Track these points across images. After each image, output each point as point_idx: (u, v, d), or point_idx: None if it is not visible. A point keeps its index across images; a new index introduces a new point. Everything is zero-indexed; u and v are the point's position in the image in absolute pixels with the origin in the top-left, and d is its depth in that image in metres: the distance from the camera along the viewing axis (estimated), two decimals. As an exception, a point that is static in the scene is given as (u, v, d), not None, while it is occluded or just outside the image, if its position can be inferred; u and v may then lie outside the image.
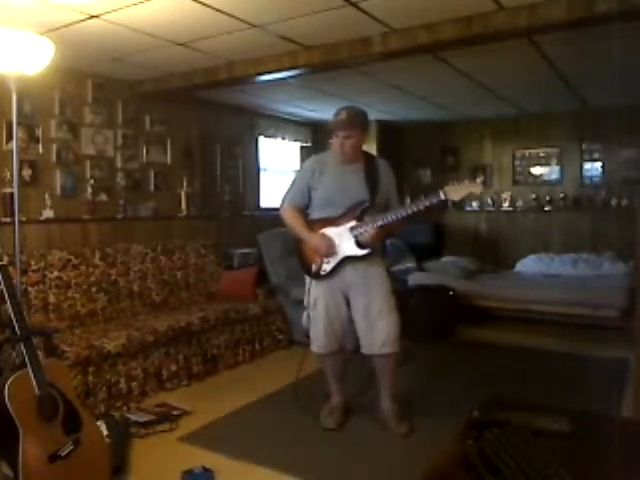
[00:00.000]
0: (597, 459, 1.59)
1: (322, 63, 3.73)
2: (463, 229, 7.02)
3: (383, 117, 6.47)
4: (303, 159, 6.62)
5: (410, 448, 2.75)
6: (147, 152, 4.84)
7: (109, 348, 3.31)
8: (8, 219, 3.64)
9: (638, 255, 3.26)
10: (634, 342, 3.20)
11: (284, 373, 3.67)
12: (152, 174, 4.90)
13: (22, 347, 2.12)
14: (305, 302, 3.04)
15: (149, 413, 3.14)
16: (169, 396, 3.52)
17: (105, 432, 2.48)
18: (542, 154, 6.54)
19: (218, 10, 2.99)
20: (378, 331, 2.88)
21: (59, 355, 3.02)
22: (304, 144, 6.88)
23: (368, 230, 2.80)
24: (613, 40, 3.22)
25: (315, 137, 6.95)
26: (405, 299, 4.58)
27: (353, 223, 2.85)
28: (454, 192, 2.71)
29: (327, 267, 2.91)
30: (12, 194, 3.26)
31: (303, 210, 3.01)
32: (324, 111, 5.99)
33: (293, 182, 3.10)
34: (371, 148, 6.03)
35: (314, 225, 2.95)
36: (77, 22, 3.10)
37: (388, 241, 3.23)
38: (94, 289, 3.95)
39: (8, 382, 2.03)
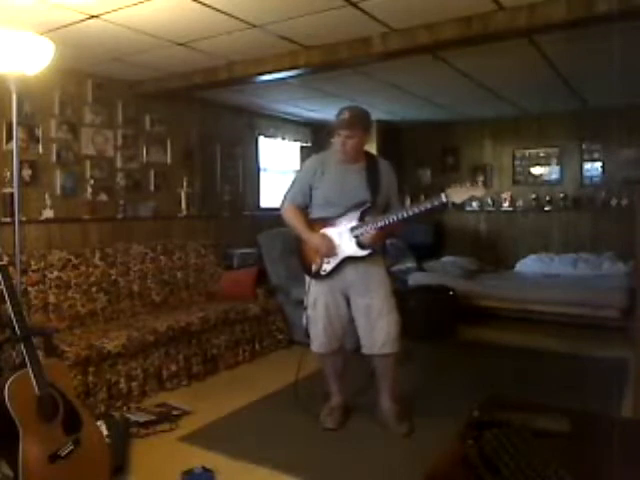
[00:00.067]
0: (597, 459, 1.59)
1: (322, 63, 3.73)
2: (463, 229, 7.02)
3: (383, 117, 6.47)
4: (303, 159, 6.61)
5: (410, 448, 2.75)
6: (147, 152, 4.84)
7: (109, 348, 3.31)
8: (8, 219, 3.64)
9: (638, 255, 3.26)
10: (634, 342, 3.20)
11: (284, 373, 3.67)
12: (152, 174, 4.90)
13: (22, 347, 2.12)
14: (305, 302, 3.04)
15: (149, 413, 3.14)
16: (169, 396, 3.52)
17: (105, 432, 2.48)
18: (542, 154, 6.54)
19: (218, 10, 2.99)
20: (378, 331, 2.88)
21: (59, 355, 3.02)
22: (304, 144, 6.87)
23: (369, 231, 2.79)
24: (613, 40, 3.22)
25: (315, 137, 6.94)
26: (405, 299, 4.58)
27: (354, 223, 2.84)
28: (456, 195, 2.70)
29: (327, 267, 2.91)
30: (12, 194, 3.25)
31: (304, 209, 3.01)
32: (324, 111, 6.00)
33: (294, 181, 3.10)
34: (371, 148, 6.03)
35: (315, 225, 2.94)
36: (77, 22, 3.10)
37: (388, 241, 3.22)
38: (94, 289, 3.95)
39: (8, 382, 2.03)
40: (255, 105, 5.77)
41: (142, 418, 3.03)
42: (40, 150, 4.02)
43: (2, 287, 2.19)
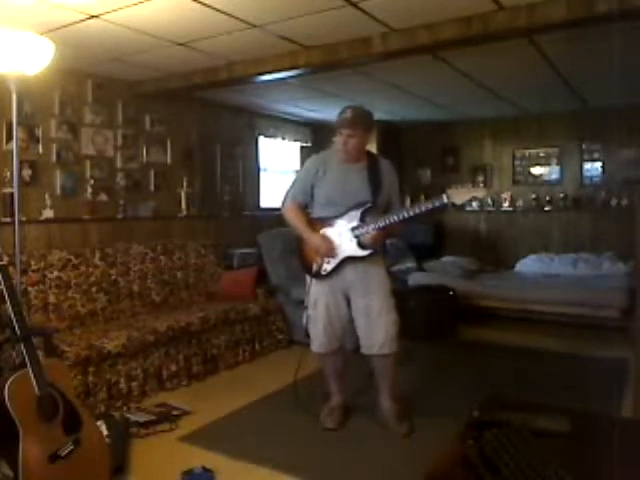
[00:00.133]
0: (597, 459, 1.59)
1: (322, 63, 3.73)
2: (463, 229, 7.02)
3: (383, 117, 6.46)
4: (303, 159, 6.61)
5: (410, 448, 2.75)
6: (147, 152, 4.84)
7: (109, 348, 3.31)
8: (8, 219, 3.64)
9: (638, 255, 3.26)
10: (634, 342, 3.20)
11: (284, 373, 3.67)
12: (152, 174, 4.90)
13: (22, 347, 2.12)
14: (305, 302, 3.04)
15: (149, 413, 3.14)
16: (169, 396, 3.52)
17: (105, 432, 2.48)
18: (542, 154, 6.54)
19: (218, 10, 2.99)
20: (377, 331, 2.88)
21: (59, 355, 3.02)
22: (304, 144, 6.87)
23: (369, 231, 2.79)
24: (613, 40, 3.22)
25: (315, 137, 6.94)
26: (405, 299, 4.58)
27: (354, 223, 2.84)
28: (457, 195, 2.70)
29: (328, 267, 2.91)
30: (12, 194, 3.25)
31: (305, 208, 3.01)
32: (324, 111, 6.00)
33: (295, 180, 3.10)
34: (371, 148, 5.99)
35: (315, 224, 2.94)
36: (77, 22, 3.10)
37: (388, 241, 3.22)
38: (94, 289, 3.95)
39: (8, 382, 2.03)
40: (255, 105, 5.77)
41: (142, 418, 3.03)
42: (40, 150, 4.02)
43: (2, 287, 2.19)
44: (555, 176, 6.47)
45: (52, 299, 3.68)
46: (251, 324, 4.40)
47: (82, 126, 4.31)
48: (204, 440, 2.87)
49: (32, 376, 2.08)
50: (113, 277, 4.10)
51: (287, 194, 3.06)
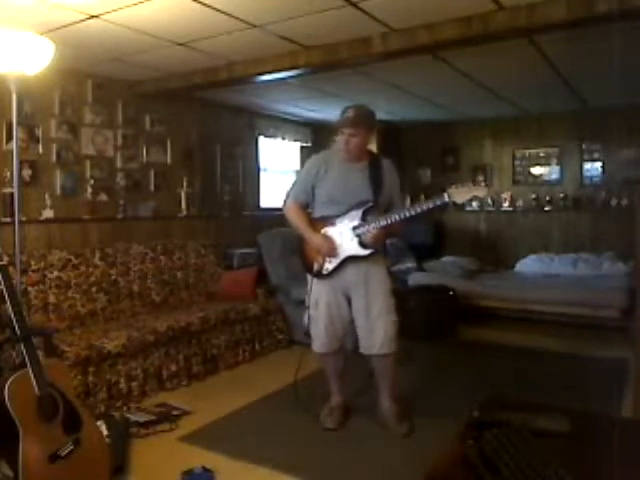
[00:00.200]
0: (597, 459, 1.59)
1: (322, 63, 3.73)
2: (463, 229, 7.02)
3: (383, 117, 6.45)
4: (303, 159, 6.62)
5: (410, 448, 2.75)
6: (147, 152, 4.84)
7: (109, 348, 3.31)
8: (8, 219, 3.64)
9: (638, 255, 3.26)
10: (634, 342, 3.20)
11: (284, 373, 3.67)
12: (152, 174, 4.90)
13: (22, 347, 2.12)
14: (307, 302, 3.04)
15: (149, 413, 3.14)
16: (169, 396, 3.52)
17: (105, 432, 2.48)
18: (542, 154, 6.54)
19: (218, 10, 2.99)
20: (377, 331, 2.88)
21: (59, 355, 3.02)
22: (304, 144, 6.87)
23: (371, 230, 2.80)
24: (613, 40, 3.22)
25: (315, 137, 6.94)
26: (405, 299, 4.58)
27: (356, 222, 2.84)
28: (458, 194, 2.70)
29: (329, 266, 2.91)
30: (12, 194, 3.25)
31: (306, 208, 3.02)
32: (324, 111, 6.00)
33: (297, 179, 3.11)
34: (371, 148, 6.03)
35: (317, 224, 2.95)
36: (77, 22, 3.10)
37: (388, 241, 3.22)
38: (94, 289, 3.95)
39: (8, 382, 2.03)
40: (255, 105, 5.77)
41: (142, 418, 3.03)
42: (40, 150, 4.02)
43: (2, 287, 2.19)
44: (555, 176, 6.47)
45: (52, 299, 3.68)
46: (251, 324, 4.40)
47: (82, 126, 4.31)
48: (204, 440, 2.87)
49: (32, 376, 2.08)
50: (113, 277, 4.10)
51: (288, 194, 3.06)
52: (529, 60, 4.03)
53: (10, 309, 2.17)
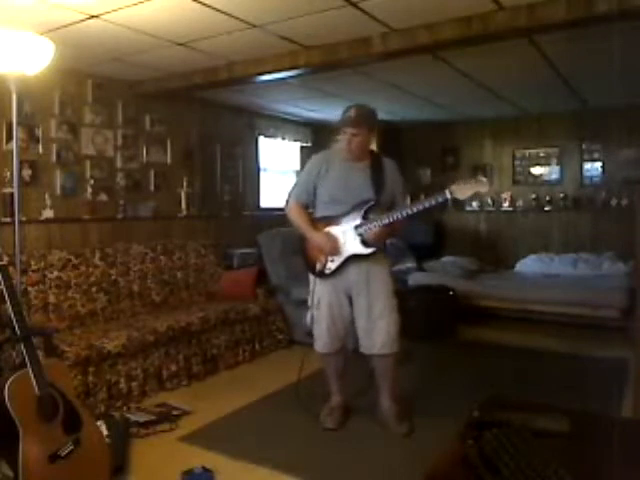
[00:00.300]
0: (597, 459, 1.59)
1: (322, 63, 3.73)
2: (463, 229, 7.02)
3: (383, 117, 6.41)
4: (303, 159, 6.62)
5: (410, 448, 2.75)
6: (147, 152, 4.84)
7: (109, 348, 3.31)
8: (8, 219, 3.64)
9: (638, 255, 3.26)
10: (634, 342, 3.20)
11: (284, 373, 3.67)
12: (152, 174, 4.90)
13: (22, 347, 2.12)
14: (309, 302, 3.04)
15: (149, 413, 3.14)
16: (169, 396, 3.52)
17: (105, 432, 2.48)
18: (542, 154, 6.54)
19: (218, 10, 2.99)
20: (378, 331, 2.88)
21: (59, 355, 3.02)
22: (304, 144, 6.87)
23: (372, 228, 2.80)
24: (613, 40, 3.22)
25: (315, 137, 6.94)
26: (405, 299, 4.57)
27: (358, 221, 2.85)
28: (460, 191, 2.68)
29: (332, 266, 2.91)
30: (12, 194, 3.25)
31: (308, 207, 3.02)
32: (324, 111, 6.00)
33: (299, 179, 3.11)
34: (372, 147, 6.03)
35: (319, 223, 2.95)
36: (77, 22, 3.10)
37: (388, 241, 3.22)
38: (94, 289, 3.95)
39: (8, 382, 2.03)
40: (255, 105, 5.77)
41: (142, 418, 3.03)
42: (40, 150, 4.02)
43: (2, 287, 2.19)
44: (555, 176, 6.47)
45: (52, 299, 3.68)
46: (251, 324, 4.40)
47: (82, 126, 4.31)
48: (204, 440, 2.87)
49: (32, 376, 2.08)
50: (113, 277, 4.10)
51: (290, 194, 3.06)
52: (529, 60, 4.03)
53: (10, 309, 2.17)
